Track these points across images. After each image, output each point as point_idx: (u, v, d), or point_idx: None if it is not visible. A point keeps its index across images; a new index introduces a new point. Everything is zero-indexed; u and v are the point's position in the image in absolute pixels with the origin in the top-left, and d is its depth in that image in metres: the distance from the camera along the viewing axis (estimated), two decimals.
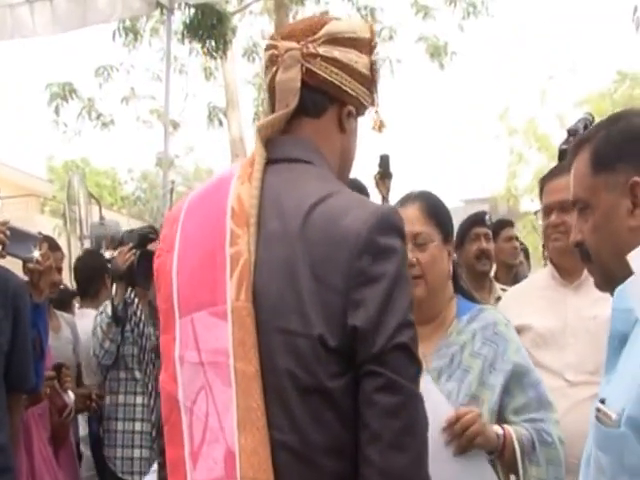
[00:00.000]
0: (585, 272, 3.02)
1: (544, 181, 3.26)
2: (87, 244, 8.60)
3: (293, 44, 1.72)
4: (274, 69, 1.74)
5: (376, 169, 4.60)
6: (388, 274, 1.55)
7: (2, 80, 51.97)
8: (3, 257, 3.33)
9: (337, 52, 1.71)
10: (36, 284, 3.44)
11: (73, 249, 9.23)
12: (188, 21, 11.10)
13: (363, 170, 4.62)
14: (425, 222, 2.45)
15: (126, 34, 12.89)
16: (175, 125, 14.08)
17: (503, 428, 2.26)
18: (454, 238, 2.61)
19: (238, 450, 1.53)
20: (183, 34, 11.36)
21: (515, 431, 2.27)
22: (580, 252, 1.72)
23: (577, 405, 2.73)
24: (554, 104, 23.51)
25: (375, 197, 4.59)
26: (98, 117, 13.94)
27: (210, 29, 10.90)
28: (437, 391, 2.23)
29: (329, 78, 1.72)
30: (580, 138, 1.72)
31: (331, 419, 1.55)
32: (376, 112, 1.86)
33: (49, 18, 6.24)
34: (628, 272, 1.50)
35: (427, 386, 2.13)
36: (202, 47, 11.40)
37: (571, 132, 3.44)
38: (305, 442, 1.55)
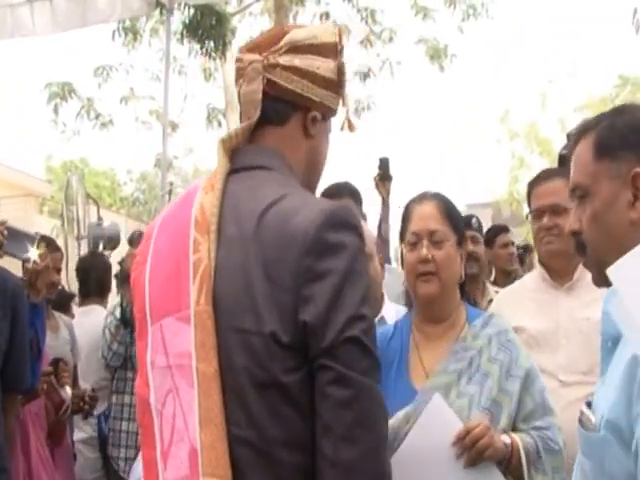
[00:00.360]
0: (576, 274, 3.12)
1: (533, 185, 3.28)
2: (84, 245, 8.59)
3: (256, 56, 1.78)
4: (240, 82, 1.81)
5: (376, 172, 4.60)
6: (337, 270, 1.59)
7: (1, 79, 52.05)
8: (1, 257, 3.32)
9: (298, 60, 1.76)
10: (33, 284, 3.44)
11: (70, 250, 9.21)
12: (187, 21, 11.15)
13: (363, 173, 4.64)
14: (442, 221, 2.45)
15: (125, 34, 12.92)
16: (174, 126, 14.08)
17: (510, 437, 2.26)
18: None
19: (200, 448, 1.58)
20: (182, 34, 11.42)
21: (521, 439, 2.26)
22: (576, 243, 1.69)
23: (570, 405, 2.73)
24: (555, 108, 23.48)
25: (372, 200, 4.61)
26: (97, 117, 13.94)
27: (209, 30, 10.96)
28: (446, 405, 2.23)
29: (290, 87, 1.76)
30: (584, 125, 1.70)
31: (289, 413, 1.59)
32: (346, 112, 1.89)
33: (49, 18, 6.21)
34: None
35: (436, 401, 2.20)
36: (201, 48, 11.46)
37: (570, 137, 3.47)
38: (263, 437, 1.59)
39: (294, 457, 1.60)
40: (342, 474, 1.55)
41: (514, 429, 2.30)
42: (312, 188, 1.90)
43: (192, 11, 11.07)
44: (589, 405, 1.53)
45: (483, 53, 41.25)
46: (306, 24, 1.98)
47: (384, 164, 4.60)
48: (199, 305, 1.62)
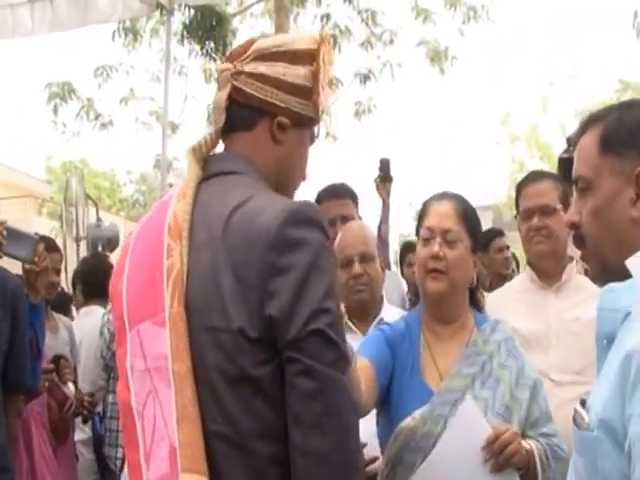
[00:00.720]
0: (565, 275, 3.19)
1: (522, 186, 3.32)
2: (83, 246, 8.60)
3: (227, 65, 1.86)
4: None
5: (376, 173, 4.60)
6: (299, 264, 1.65)
7: (1, 79, 52.04)
8: (0, 257, 3.33)
9: (263, 67, 1.83)
10: (32, 284, 3.43)
11: (69, 251, 9.22)
12: (187, 22, 11.20)
13: (363, 174, 4.62)
14: (457, 222, 2.45)
15: (126, 35, 12.88)
16: (174, 127, 14.02)
17: (528, 443, 2.28)
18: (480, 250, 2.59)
19: (178, 445, 1.63)
20: (183, 35, 11.47)
21: (535, 447, 2.29)
22: (574, 235, 1.69)
23: (563, 405, 2.74)
24: (556, 111, 23.58)
25: (372, 201, 4.67)
26: (97, 117, 13.86)
27: (210, 30, 11.01)
28: (478, 410, 2.25)
29: (254, 93, 1.83)
30: (591, 116, 1.68)
31: (261, 406, 1.65)
32: (326, 119, 1.94)
33: (49, 18, 6.22)
34: (624, 264, 1.49)
35: (468, 405, 2.24)
36: (201, 49, 11.52)
37: (570, 141, 3.49)
38: (238, 430, 1.65)
39: (268, 448, 1.66)
40: (312, 463, 1.60)
41: (523, 436, 2.31)
42: (286, 194, 1.92)
43: (192, 12, 11.11)
44: (583, 404, 1.53)
45: (484, 56, 41.32)
46: (280, 34, 2.03)
47: (385, 165, 4.60)
48: (172, 308, 1.69)
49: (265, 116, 1.86)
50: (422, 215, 2.53)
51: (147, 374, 1.72)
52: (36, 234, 3.67)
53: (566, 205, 3.05)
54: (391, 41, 14.18)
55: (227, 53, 1.96)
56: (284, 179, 1.92)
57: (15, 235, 3.35)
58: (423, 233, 2.47)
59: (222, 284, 1.67)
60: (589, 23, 53.71)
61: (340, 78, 14.20)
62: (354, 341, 2.96)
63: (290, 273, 1.65)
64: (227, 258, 1.68)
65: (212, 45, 11.39)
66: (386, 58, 14.20)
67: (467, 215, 2.47)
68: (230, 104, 1.85)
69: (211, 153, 1.90)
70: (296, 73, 1.84)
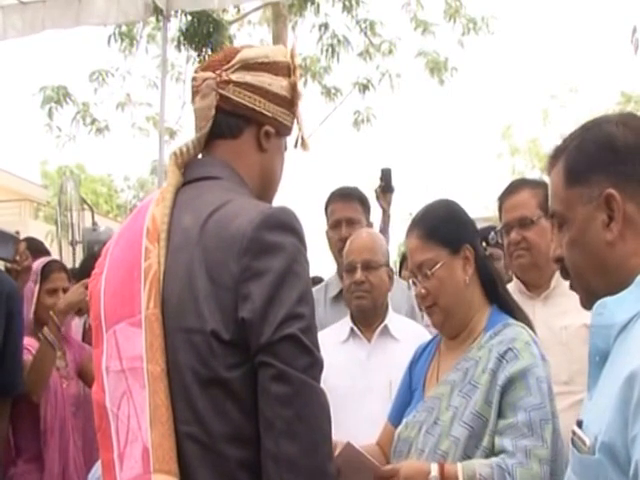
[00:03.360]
0: (552, 284, 3.17)
1: (501, 199, 3.30)
2: (79, 249, 8.63)
3: (209, 74, 1.88)
4: (195, 99, 1.91)
5: (377, 182, 4.56)
6: (274, 269, 1.66)
7: None
8: None
9: (249, 77, 1.87)
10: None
11: (65, 254, 9.27)
12: (184, 28, 11.25)
13: (361, 184, 4.58)
14: (424, 248, 2.45)
15: (122, 40, 12.95)
16: (171, 133, 14.04)
17: (442, 468, 2.21)
18: (474, 237, 2.53)
19: (150, 446, 1.64)
20: (179, 41, 11.51)
21: (473, 470, 2.19)
22: (561, 268, 1.68)
23: None
24: (557, 124, 23.67)
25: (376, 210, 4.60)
26: (93, 122, 13.85)
27: (206, 37, 11.04)
28: (359, 451, 2.30)
29: (242, 101, 1.86)
30: (555, 149, 1.69)
31: (232, 409, 1.66)
32: (299, 130, 1.99)
33: (41, 18, 6.26)
34: (610, 288, 1.50)
35: (348, 447, 2.29)
36: (198, 55, 11.55)
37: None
38: (208, 432, 1.66)
39: (238, 452, 1.66)
40: (283, 468, 1.60)
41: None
42: (267, 200, 1.95)
43: (189, 18, 11.16)
44: (579, 425, 1.50)
45: (484, 67, 41.60)
46: (257, 45, 2.18)
47: (386, 175, 4.56)
48: (148, 309, 1.70)
49: (252, 124, 1.89)
50: (403, 257, 2.55)
51: (122, 375, 1.73)
52: (17, 233, 3.71)
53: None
54: (390, 51, 14.26)
55: (204, 64, 1.96)
56: (267, 186, 1.96)
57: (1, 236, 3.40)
58: (404, 274, 2.56)
59: (197, 286, 1.69)
60: (591, 36, 54.01)
61: (339, 87, 14.48)
62: (360, 348, 3.25)
63: (264, 277, 1.66)
64: (202, 260, 1.70)
65: (209, 52, 11.35)
66: (385, 68, 14.29)
67: (431, 230, 2.46)
68: (217, 112, 1.88)
69: (194, 158, 1.93)
70: (280, 84, 1.90)
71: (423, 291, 2.45)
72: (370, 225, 3.95)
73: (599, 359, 1.52)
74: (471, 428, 2.25)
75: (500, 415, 2.25)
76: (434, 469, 2.20)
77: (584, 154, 1.59)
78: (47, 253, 4.69)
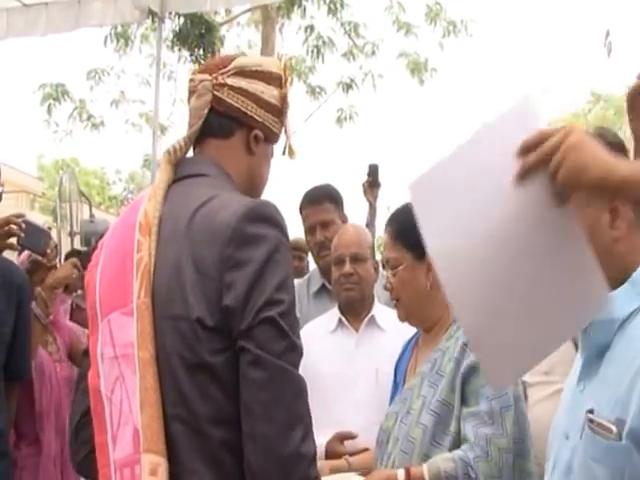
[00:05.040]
0: None
1: None
2: (77, 240, 8.82)
3: (206, 76, 1.94)
4: (191, 98, 1.97)
5: (364, 178, 4.60)
6: (255, 259, 1.70)
7: None
8: (16, 249, 3.50)
9: (244, 82, 1.93)
10: (30, 276, 3.59)
11: (63, 245, 9.37)
12: (178, 30, 11.40)
13: (345, 179, 4.85)
14: (393, 247, 2.55)
15: (117, 40, 13.19)
16: (163, 129, 14.04)
17: (408, 471, 2.25)
18: None
19: (140, 428, 1.69)
20: (173, 42, 11.66)
21: (437, 467, 2.23)
22: None
23: (534, 405, 2.85)
24: None
25: (357, 205, 4.65)
26: (89, 118, 14.13)
27: (198, 38, 11.19)
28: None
29: (235, 104, 1.92)
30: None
31: (216, 392, 1.70)
32: (287, 138, 2.06)
33: (43, 21, 6.42)
34: (609, 284, 1.48)
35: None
36: (191, 55, 11.70)
37: None
38: (193, 414, 1.70)
39: (220, 432, 1.70)
40: (260, 449, 1.64)
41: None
42: None
43: (182, 20, 11.35)
44: (592, 413, 1.53)
45: (463, 68, 41.54)
46: (252, 54, 2.15)
47: (373, 171, 4.59)
48: (139, 298, 1.75)
49: (243, 127, 1.95)
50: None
51: (116, 361, 1.77)
52: (50, 228, 3.86)
53: None
54: (373, 53, 14.52)
55: (201, 67, 2.05)
56: (252, 187, 2.00)
57: (32, 228, 3.43)
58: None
59: (184, 276, 1.73)
60: (563, 39, 54.19)
61: (323, 87, 14.64)
62: (348, 338, 3.28)
63: (247, 266, 1.70)
64: (189, 252, 1.74)
65: (201, 52, 11.60)
66: (368, 69, 14.52)
67: (401, 232, 2.54)
68: (209, 112, 1.93)
69: (186, 156, 1.98)
70: (271, 93, 1.95)
71: (388, 285, 2.55)
72: (345, 219, 3.96)
73: (597, 352, 1.57)
74: (437, 415, 2.31)
75: (464, 402, 2.30)
76: (400, 474, 2.24)
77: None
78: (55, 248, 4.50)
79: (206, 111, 1.93)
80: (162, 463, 1.67)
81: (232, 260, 1.71)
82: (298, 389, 1.69)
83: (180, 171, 1.93)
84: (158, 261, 1.79)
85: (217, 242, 1.72)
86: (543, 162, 1.37)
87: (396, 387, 2.67)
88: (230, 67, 1.96)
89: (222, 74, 1.95)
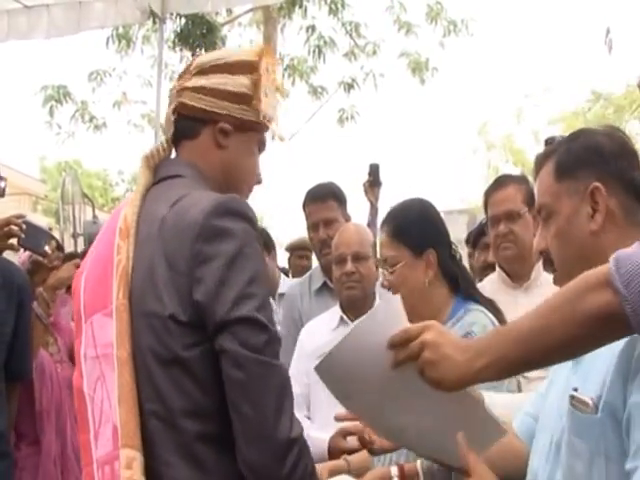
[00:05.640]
0: (533, 274, 3.27)
1: (488, 193, 3.39)
2: (80, 242, 8.85)
3: (175, 84, 2.02)
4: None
5: (366, 177, 4.59)
6: (224, 252, 1.72)
7: None
8: (17, 250, 3.50)
9: (203, 80, 1.96)
10: (31, 276, 3.63)
11: (66, 247, 9.41)
12: (179, 30, 11.48)
13: (346, 178, 4.78)
14: (391, 245, 2.54)
15: (119, 41, 13.25)
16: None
17: (402, 468, 2.23)
18: (441, 240, 2.61)
19: (119, 424, 1.73)
20: (174, 42, 11.74)
21: (427, 462, 2.20)
22: (544, 260, 1.78)
23: None
24: (530, 121, 23.81)
25: (358, 204, 4.63)
26: (91, 120, 14.18)
27: (200, 38, 11.26)
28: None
29: (196, 105, 1.95)
30: (543, 152, 1.79)
31: (190, 386, 1.72)
32: (270, 124, 2.03)
33: (45, 23, 6.44)
34: None
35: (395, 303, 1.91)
36: (193, 55, 11.45)
37: (548, 140, 3.59)
38: (168, 409, 1.73)
39: (195, 425, 1.72)
40: (253, 443, 1.68)
41: None
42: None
43: (184, 20, 11.43)
44: (575, 391, 1.58)
45: (463, 68, 41.61)
46: (219, 50, 2.12)
47: (374, 170, 4.60)
48: (118, 299, 1.79)
49: (208, 124, 1.96)
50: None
51: (97, 361, 1.81)
52: (51, 229, 3.90)
53: (533, 204, 3.01)
54: (374, 52, 14.52)
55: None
56: (232, 181, 2.00)
57: (32, 229, 3.44)
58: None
59: (157, 274, 1.75)
60: (563, 38, 54.18)
61: (325, 87, 14.68)
62: None
63: (215, 261, 1.71)
64: (162, 250, 1.77)
65: (203, 52, 11.62)
66: (369, 68, 14.54)
67: (398, 230, 2.55)
68: (178, 117, 1.98)
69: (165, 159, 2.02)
70: (237, 82, 1.95)
71: (386, 283, 2.55)
72: (348, 218, 3.97)
73: None
74: None
75: None
76: (394, 471, 2.22)
77: (573, 154, 1.69)
78: (62, 250, 4.49)
79: (173, 117, 1.98)
80: (137, 457, 1.70)
81: (201, 255, 1.72)
82: (281, 380, 1.72)
83: (158, 174, 1.97)
84: (135, 263, 1.82)
85: (187, 238, 1.74)
86: (410, 359, 1.59)
87: None
88: (192, 69, 2.00)
89: (185, 79, 1.99)
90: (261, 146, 2.07)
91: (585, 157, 1.67)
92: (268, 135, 2.09)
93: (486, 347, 1.55)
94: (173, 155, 2.04)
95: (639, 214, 1.65)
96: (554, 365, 1.65)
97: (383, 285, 2.59)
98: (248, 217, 1.80)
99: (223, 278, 1.70)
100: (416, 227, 2.55)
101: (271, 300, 5.09)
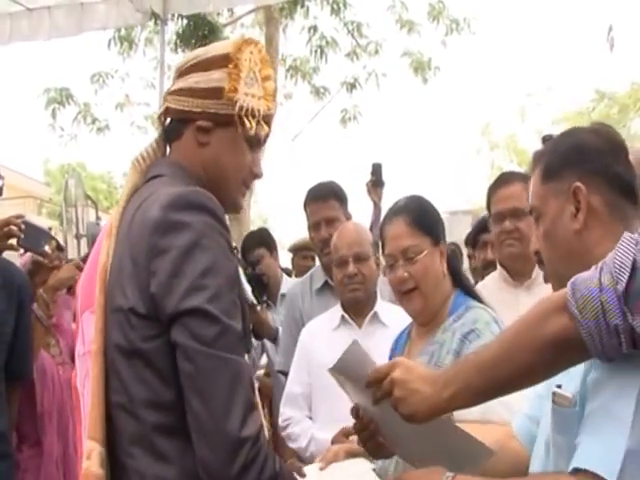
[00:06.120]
0: (534, 273, 3.26)
1: (493, 189, 3.38)
2: (83, 243, 8.88)
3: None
4: None
5: (368, 177, 4.64)
6: (177, 245, 1.71)
7: (1, 84, 52.30)
8: (16, 250, 3.50)
9: (181, 82, 1.96)
10: (32, 277, 3.65)
11: (70, 247, 9.43)
12: (181, 31, 11.46)
13: (349, 178, 4.75)
14: (411, 234, 2.50)
15: (121, 43, 13.27)
16: None
17: None
18: (444, 236, 2.62)
19: (87, 416, 1.78)
20: (176, 44, 11.70)
21: None
22: (538, 260, 1.80)
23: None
24: (534, 120, 23.77)
25: (361, 204, 4.68)
26: (93, 122, 14.20)
27: (202, 39, 11.07)
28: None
29: (175, 106, 1.96)
30: (536, 154, 1.82)
31: (150, 377, 1.73)
32: (251, 116, 1.97)
33: (47, 25, 6.51)
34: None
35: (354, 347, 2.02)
36: None
37: (545, 138, 3.50)
38: (131, 399, 1.75)
39: (154, 416, 1.73)
40: (202, 440, 1.66)
41: None
42: (228, 193, 2.00)
43: (185, 22, 11.39)
44: (559, 387, 1.61)
45: (465, 67, 41.48)
46: (203, 47, 2.06)
47: (377, 170, 4.62)
48: (97, 297, 1.83)
49: (188, 124, 1.96)
50: (382, 241, 2.59)
51: (84, 358, 1.86)
52: (50, 229, 3.85)
53: None
54: (376, 52, 14.48)
55: None
56: (217, 178, 1.98)
57: (32, 229, 3.45)
58: (386, 260, 2.57)
59: (124, 269, 1.79)
60: (566, 37, 54.08)
61: (327, 87, 14.69)
62: (351, 334, 3.16)
63: (169, 253, 1.71)
64: (129, 246, 1.80)
65: None
66: (371, 68, 14.50)
67: (418, 219, 2.53)
68: (164, 121, 2.02)
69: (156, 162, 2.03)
70: (210, 78, 1.93)
71: (406, 274, 2.48)
72: (349, 217, 3.96)
73: None
74: None
75: None
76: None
77: (558, 155, 1.72)
78: (62, 250, 4.48)
79: (160, 121, 2.02)
80: (96, 448, 1.74)
81: (156, 248, 1.73)
82: (233, 374, 1.67)
83: (146, 176, 1.98)
84: (112, 260, 1.85)
85: (146, 233, 1.76)
86: (385, 397, 1.72)
87: None
88: (174, 74, 2.01)
89: (171, 84, 2.01)
90: (253, 140, 2.01)
91: (569, 157, 1.70)
92: (272, 131, 2.06)
93: (453, 377, 1.61)
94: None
95: (625, 209, 1.66)
96: (523, 390, 1.64)
97: (398, 279, 2.52)
98: (208, 209, 1.77)
99: (175, 270, 1.70)
100: (432, 217, 2.58)
101: (273, 300, 5.19)
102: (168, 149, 2.06)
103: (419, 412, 1.64)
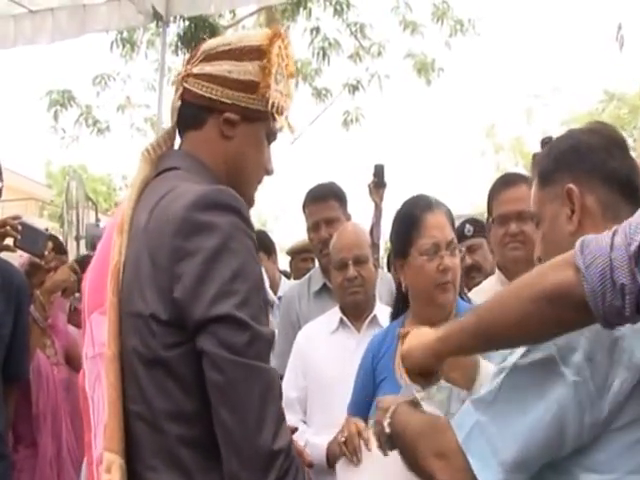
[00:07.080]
0: None
1: (496, 190, 3.30)
2: (83, 244, 8.92)
3: (181, 69, 1.95)
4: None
5: (370, 178, 4.62)
6: (205, 248, 1.63)
7: (3, 87, 52.44)
8: (13, 251, 3.47)
9: (209, 67, 1.87)
10: (29, 278, 3.65)
11: (70, 249, 9.49)
12: (182, 33, 11.41)
13: (351, 181, 4.75)
14: (451, 229, 2.56)
15: (123, 45, 13.25)
16: None
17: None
18: None
19: (105, 425, 1.71)
20: (177, 46, 11.68)
21: None
22: None
23: None
24: (540, 122, 23.69)
25: (363, 206, 4.66)
26: (95, 124, 14.20)
27: (203, 41, 11.21)
28: None
29: (200, 92, 1.87)
30: (536, 158, 1.88)
31: (172, 387, 1.67)
32: (279, 114, 1.95)
33: (50, 27, 6.51)
34: None
35: None
36: None
37: (545, 140, 3.25)
38: (151, 410, 1.68)
39: (178, 428, 1.66)
40: (232, 454, 1.60)
41: None
42: (244, 188, 1.92)
43: (187, 24, 11.34)
44: None
45: (470, 68, 41.45)
46: (227, 34, 1.95)
47: (379, 171, 4.60)
48: (109, 298, 1.75)
49: (213, 113, 1.88)
50: (419, 228, 2.54)
51: (94, 360, 1.79)
52: (47, 229, 3.83)
53: None
54: (379, 53, 14.37)
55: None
56: (238, 173, 1.92)
57: (29, 230, 3.45)
58: (428, 247, 2.51)
59: (142, 271, 1.71)
60: (574, 36, 53.98)
61: (329, 89, 14.55)
62: (349, 338, 3.27)
63: (195, 256, 1.63)
64: (147, 245, 1.72)
65: None
66: (374, 70, 14.39)
67: (451, 217, 2.57)
68: (182, 105, 1.91)
69: (168, 151, 1.96)
70: (243, 69, 1.86)
71: (450, 264, 2.50)
72: (349, 218, 3.94)
73: None
74: None
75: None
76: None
77: (552, 159, 1.72)
78: (65, 253, 4.69)
79: (177, 104, 1.91)
80: (116, 461, 1.66)
81: (182, 251, 1.65)
82: (265, 383, 1.62)
83: (159, 167, 1.90)
84: (126, 259, 1.77)
85: (167, 233, 1.68)
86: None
87: (374, 387, 2.64)
88: (198, 54, 1.92)
89: (191, 64, 1.91)
90: (271, 136, 1.99)
91: (562, 159, 1.70)
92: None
93: (451, 321, 1.73)
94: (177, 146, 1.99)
95: (621, 207, 1.64)
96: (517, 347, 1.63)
97: (445, 266, 2.50)
98: (236, 209, 1.71)
99: (202, 275, 1.62)
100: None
101: (274, 299, 5.14)
102: (178, 137, 1.99)
103: (412, 347, 1.75)
